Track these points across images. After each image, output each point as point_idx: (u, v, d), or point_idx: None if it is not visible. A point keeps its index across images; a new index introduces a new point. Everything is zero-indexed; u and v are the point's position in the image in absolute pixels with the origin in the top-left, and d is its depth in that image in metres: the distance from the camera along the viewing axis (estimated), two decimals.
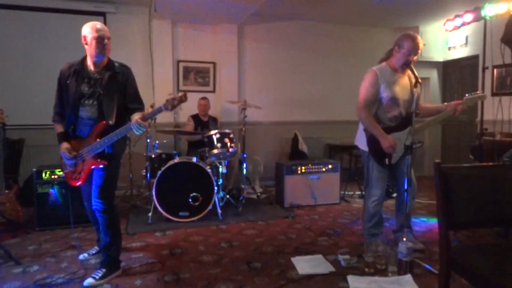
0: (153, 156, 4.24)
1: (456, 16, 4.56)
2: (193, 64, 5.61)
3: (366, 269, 2.66)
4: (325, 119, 6.24)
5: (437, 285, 1.96)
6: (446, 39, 6.31)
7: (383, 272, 2.62)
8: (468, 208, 1.93)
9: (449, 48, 6.29)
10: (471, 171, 2.06)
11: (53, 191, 3.64)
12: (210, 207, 3.88)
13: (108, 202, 2.56)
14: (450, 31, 5.79)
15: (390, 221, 3.74)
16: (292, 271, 2.69)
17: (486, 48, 3.93)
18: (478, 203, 1.94)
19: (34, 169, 3.66)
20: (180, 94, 2.44)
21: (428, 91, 6.55)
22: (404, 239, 2.50)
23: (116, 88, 2.56)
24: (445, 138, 6.62)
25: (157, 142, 4.42)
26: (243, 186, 4.65)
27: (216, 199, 3.96)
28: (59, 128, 2.65)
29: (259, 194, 4.98)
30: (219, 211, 3.96)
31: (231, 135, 4.24)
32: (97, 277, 2.49)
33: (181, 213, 3.82)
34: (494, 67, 5.05)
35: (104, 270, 2.55)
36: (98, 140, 2.50)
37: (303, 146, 5.70)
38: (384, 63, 2.96)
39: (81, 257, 2.92)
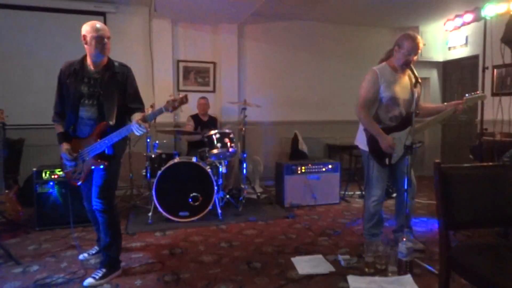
0: (153, 156, 4.24)
1: (456, 16, 4.57)
2: (193, 64, 5.61)
3: (366, 269, 2.66)
4: (325, 119, 6.24)
5: (437, 285, 1.96)
6: (446, 39, 6.31)
7: (383, 272, 2.62)
8: (468, 208, 1.93)
9: (449, 48, 6.29)
10: (471, 171, 2.06)
11: (53, 191, 3.64)
12: (210, 207, 3.88)
13: (108, 202, 2.56)
14: (450, 31, 5.83)
15: (390, 221, 3.74)
16: (292, 271, 2.69)
17: (486, 48, 3.94)
18: (478, 203, 1.95)
19: (34, 169, 3.66)
20: (181, 95, 2.44)
21: (428, 91, 6.55)
22: (404, 239, 2.50)
23: (116, 88, 2.56)
24: (445, 138, 6.62)
25: (157, 142, 4.42)
26: (243, 186, 4.65)
27: (216, 199, 3.96)
28: (59, 128, 2.64)
29: (259, 194, 4.98)
30: (219, 211, 3.96)
31: (231, 135, 4.24)
32: (97, 277, 2.49)
33: (181, 213, 3.82)
34: (494, 67, 5.05)
35: (104, 270, 2.55)
36: (98, 140, 2.50)
37: (303, 146, 5.70)
38: (384, 63, 2.96)
39: (81, 257, 2.92)
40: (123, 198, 4.74)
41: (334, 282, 2.51)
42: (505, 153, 3.40)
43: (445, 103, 3.09)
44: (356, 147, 3.12)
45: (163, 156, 4.25)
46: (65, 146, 2.58)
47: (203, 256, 2.98)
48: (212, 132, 4.18)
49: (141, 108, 2.64)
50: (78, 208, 3.05)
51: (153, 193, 3.78)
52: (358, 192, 5.14)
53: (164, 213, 3.79)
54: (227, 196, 4.45)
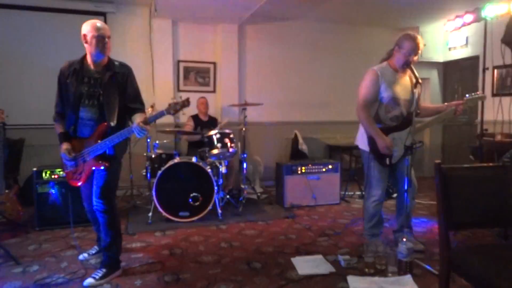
0: (153, 156, 4.24)
1: (457, 16, 4.57)
2: (194, 64, 5.61)
3: (366, 270, 2.66)
4: (326, 119, 6.23)
5: (437, 285, 1.96)
6: (447, 39, 6.31)
7: (383, 273, 2.61)
8: (468, 208, 1.93)
9: (450, 49, 6.29)
10: (472, 171, 2.07)
11: (53, 191, 3.64)
12: (210, 207, 3.88)
13: (109, 202, 2.56)
14: (451, 31, 5.82)
15: (390, 221, 3.74)
16: (292, 272, 2.68)
17: (487, 48, 3.94)
18: (478, 204, 1.94)
19: (35, 169, 3.66)
20: (183, 99, 2.44)
21: (429, 91, 6.55)
22: (404, 239, 2.50)
23: (117, 88, 2.54)
24: (446, 139, 6.62)
25: (157, 142, 4.42)
26: (243, 186, 4.65)
27: (216, 199, 3.96)
28: (60, 128, 2.64)
29: (259, 194, 4.98)
30: (219, 211, 3.96)
31: (231, 135, 4.24)
32: (97, 277, 2.49)
33: (181, 213, 3.82)
34: (494, 67, 5.05)
35: (104, 270, 2.55)
36: (99, 141, 2.49)
37: (303, 146, 5.70)
38: (385, 63, 2.96)
39: (81, 257, 2.92)
40: (123, 198, 4.74)
41: (334, 283, 2.51)
42: (505, 154, 3.40)
43: (445, 103, 3.09)
44: (357, 147, 3.12)
45: (163, 156, 4.25)
46: (64, 146, 2.58)
47: (203, 256, 2.98)
48: (212, 132, 4.18)
49: (141, 109, 2.63)
50: (78, 208, 3.05)
51: (153, 193, 3.78)
52: (358, 193, 5.13)
53: (164, 213, 3.79)
54: (227, 196, 4.45)
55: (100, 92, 2.51)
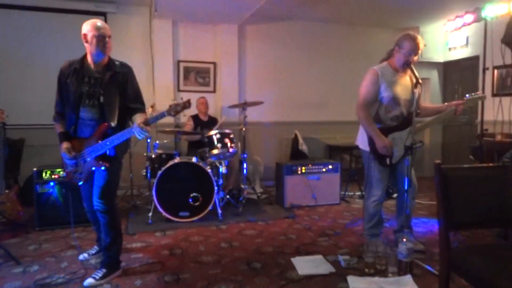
0: (153, 156, 4.23)
1: (457, 16, 4.57)
2: (194, 64, 5.61)
3: (366, 270, 2.66)
4: (326, 120, 6.23)
5: (437, 286, 1.96)
6: (447, 39, 6.31)
7: (383, 273, 2.61)
8: (468, 209, 1.93)
9: (450, 49, 6.29)
10: (472, 172, 2.07)
11: (53, 191, 3.64)
12: (210, 207, 3.88)
13: (109, 202, 2.56)
14: (451, 31, 5.83)
15: (390, 221, 3.74)
16: (292, 272, 2.68)
17: (487, 49, 3.94)
18: (478, 204, 1.94)
19: (35, 169, 3.66)
20: (184, 100, 2.44)
21: (429, 91, 6.54)
22: (404, 239, 2.50)
23: (117, 88, 2.54)
24: (446, 139, 6.62)
25: (157, 142, 4.42)
26: (243, 186, 4.65)
27: (216, 199, 3.96)
28: (60, 128, 2.64)
29: (259, 194, 4.98)
30: (219, 211, 3.96)
31: (231, 135, 4.24)
32: (97, 277, 2.49)
33: (181, 213, 3.82)
34: (494, 68, 5.05)
35: (104, 270, 2.55)
36: (99, 142, 2.49)
37: (303, 147, 5.70)
38: (385, 63, 2.96)
39: (81, 257, 2.92)
40: (124, 198, 4.74)
41: (334, 283, 2.51)
42: (505, 154, 3.40)
43: (446, 103, 3.09)
44: (357, 147, 3.12)
45: (163, 156, 4.25)
46: (65, 145, 2.58)
47: (203, 256, 2.98)
48: (213, 132, 4.18)
49: (142, 109, 2.63)
50: (78, 208, 3.04)
51: (153, 193, 3.78)
52: (358, 193, 5.13)
53: (164, 213, 3.79)
54: (227, 196, 4.45)
55: (101, 92, 2.50)
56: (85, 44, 2.49)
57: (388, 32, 6.28)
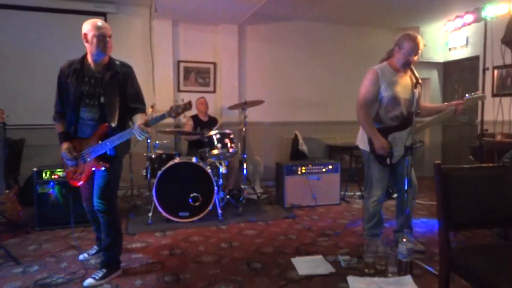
0: (153, 156, 4.24)
1: (457, 17, 4.57)
2: (194, 65, 5.61)
3: (366, 270, 2.66)
4: (326, 120, 6.23)
5: (437, 286, 1.96)
6: (447, 39, 6.31)
7: (383, 273, 2.61)
8: (468, 209, 1.93)
9: (450, 49, 6.29)
10: (472, 172, 2.06)
11: (53, 191, 3.64)
12: (210, 207, 3.88)
13: (110, 202, 2.56)
14: (451, 31, 5.83)
15: (390, 221, 3.74)
16: (292, 272, 2.68)
17: (487, 49, 3.93)
18: (478, 204, 1.94)
19: (35, 169, 3.66)
20: (184, 102, 2.44)
21: (429, 91, 6.54)
22: (404, 239, 2.50)
23: (117, 88, 2.54)
24: (446, 139, 6.62)
25: (157, 142, 4.42)
26: (243, 187, 4.65)
27: (216, 200, 3.96)
28: (60, 128, 2.64)
29: (259, 194, 4.98)
30: (219, 211, 3.96)
31: (232, 136, 4.24)
32: (97, 277, 2.49)
33: (181, 213, 3.81)
34: (494, 68, 5.05)
35: (104, 270, 2.55)
36: (100, 142, 2.49)
37: (303, 147, 5.69)
38: (385, 63, 2.96)
39: (81, 257, 2.92)
40: (124, 198, 4.74)
41: (334, 283, 2.51)
42: (505, 154, 3.40)
43: (446, 103, 3.09)
44: (357, 147, 3.12)
45: (163, 156, 4.25)
46: (65, 145, 2.57)
47: (203, 257, 2.98)
48: (213, 132, 4.18)
49: (142, 109, 2.62)
50: (78, 208, 3.05)
51: (153, 193, 3.78)
52: (358, 193, 5.13)
53: (164, 213, 3.79)
54: (227, 196, 4.45)
55: (101, 92, 2.50)
56: (86, 44, 2.49)
57: (388, 32, 6.29)
